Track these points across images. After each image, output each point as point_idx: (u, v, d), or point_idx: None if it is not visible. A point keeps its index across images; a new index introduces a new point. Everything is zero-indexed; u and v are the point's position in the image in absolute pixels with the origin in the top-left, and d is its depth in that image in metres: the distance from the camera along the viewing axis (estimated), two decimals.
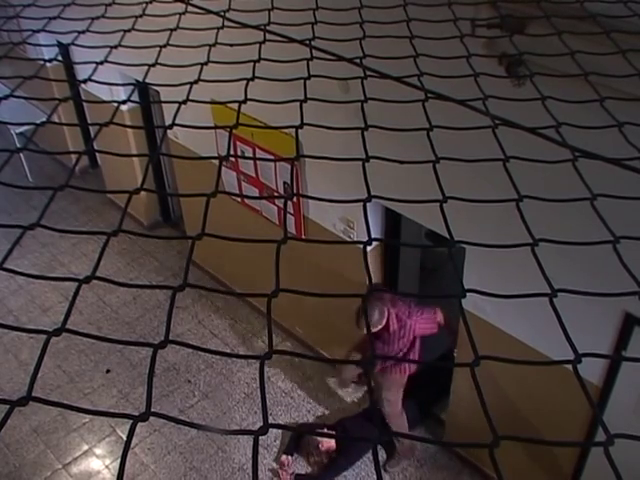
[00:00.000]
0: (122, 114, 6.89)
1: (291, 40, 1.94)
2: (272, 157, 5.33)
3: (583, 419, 4.17)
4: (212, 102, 1.71)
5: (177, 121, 1.46)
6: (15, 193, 8.54)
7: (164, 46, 1.83)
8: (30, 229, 1.13)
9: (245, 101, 1.55)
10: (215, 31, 1.92)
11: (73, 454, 5.68)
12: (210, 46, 1.84)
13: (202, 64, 1.74)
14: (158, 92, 6.65)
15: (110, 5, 2.17)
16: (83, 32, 1.96)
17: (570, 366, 0.94)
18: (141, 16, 2.04)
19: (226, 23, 2.02)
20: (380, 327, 4.60)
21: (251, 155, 5.66)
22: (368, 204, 1.22)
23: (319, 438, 5.50)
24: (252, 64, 1.72)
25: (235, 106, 1.54)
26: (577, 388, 0.94)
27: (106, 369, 6.39)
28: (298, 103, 1.54)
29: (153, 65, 1.75)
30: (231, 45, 1.92)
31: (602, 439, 0.85)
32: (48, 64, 1.93)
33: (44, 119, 1.62)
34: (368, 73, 1.74)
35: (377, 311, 4.55)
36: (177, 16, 2.06)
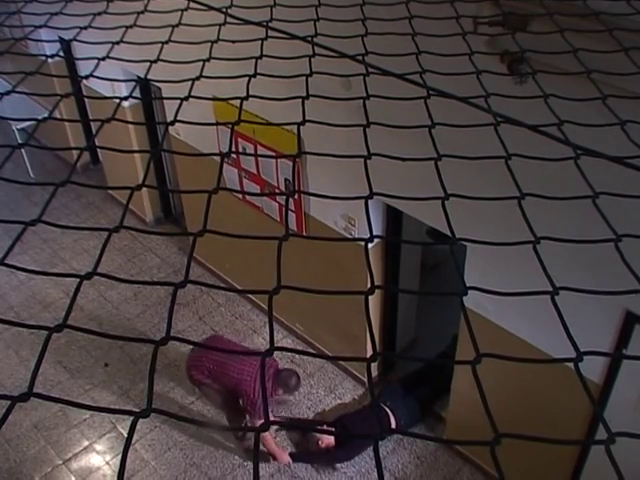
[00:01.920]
0: (124, 110, 6.89)
1: (293, 37, 1.94)
2: (273, 154, 5.33)
3: (584, 417, 4.17)
4: (214, 99, 1.71)
5: (179, 118, 1.46)
6: (16, 189, 8.54)
7: (166, 42, 1.83)
8: (31, 225, 1.13)
9: (247, 98, 1.55)
10: (217, 27, 1.92)
11: (73, 450, 5.69)
12: (212, 43, 1.83)
13: (204, 61, 1.73)
14: (159, 88, 6.65)
15: (112, 1, 2.17)
16: (85, 28, 1.96)
17: (571, 364, 0.94)
18: (143, 12, 2.03)
19: (228, 20, 2.02)
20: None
21: (252, 152, 5.66)
22: (369, 201, 1.22)
23: (318, 435, 5.50)
24: (254, 61, 1.72)
25: (237, 103, 1.53)
26: (578, 386, 0.94)
27: (104, 363, 6.41)
28: (300, 100, 1.54)
29: (155, 61, 1.75)
30: (233, 42, 1.92)
31: (603, 437, 0.85)
32: (50, 60, 1.92)
33: (46, 115, 1.62)
34: (370, 70, 1.73)
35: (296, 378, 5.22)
36: (179, 12, 2.06)
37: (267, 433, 5.14)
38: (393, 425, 5.45)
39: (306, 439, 5.65)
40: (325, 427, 5.55)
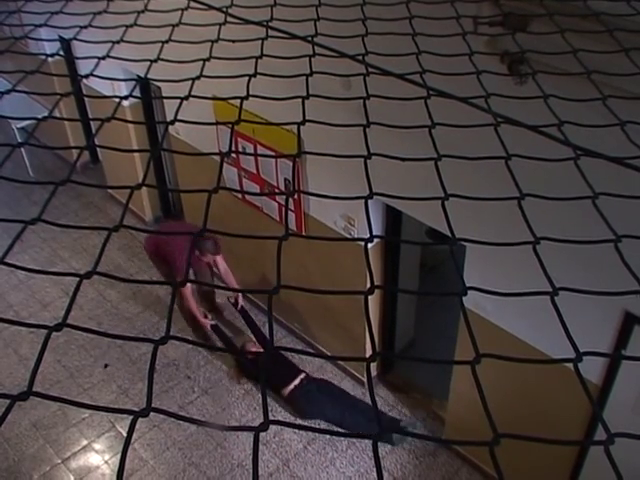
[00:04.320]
0: (123, 110, 6.89)
1: (293, 37, 1.94)
2: (273, 154, 5.33)
3: (582, 418, 4.17)
4: (214, 98, 1.71)
5: (179, 117, 1.46)
6: (16, 188, 8.54)
7: (166, 42, 1.83)
8: (31, 224, 1.13)
9: (247, 97, 1.55)
10: (217, 27, 1.92)
11: (72, 449, 5.69)
12: (212, 42, 1.83)
13: (204, 60, 1.73)
14: (159, 88, 6.65)
15: (112, 0, 2.17)
16: (85, 27, 1.96)
17: (570, 365, 0.94)
18: (143, 11, 2.04)
19: (228, 19, 2.02)
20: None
21: (252, 151, 5.66)
22: (369, 201, 1.22)
23: (251, 340, 6.26)
24: (254, 60, 1.72)
25: (236, 102, 1.53)
26: (577, 387, 0.94)
27: (104, 364, 6.40)
28: (300, 100, 1.54)
29: (155, 61, 1.75)
30: (233, 41, 1.92)
31: (602, 437, 0.85)
32: (50, 59, 1.92)
33: (45, 114, 1.62)
34: (370, 70, 1.74)
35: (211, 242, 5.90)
36: (179, 12, 2.06)
37: (188, 292, 6.11)
38: (286, 389, 5.77)
39: (241, 338, 6.44)
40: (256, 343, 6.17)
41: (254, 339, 6.26)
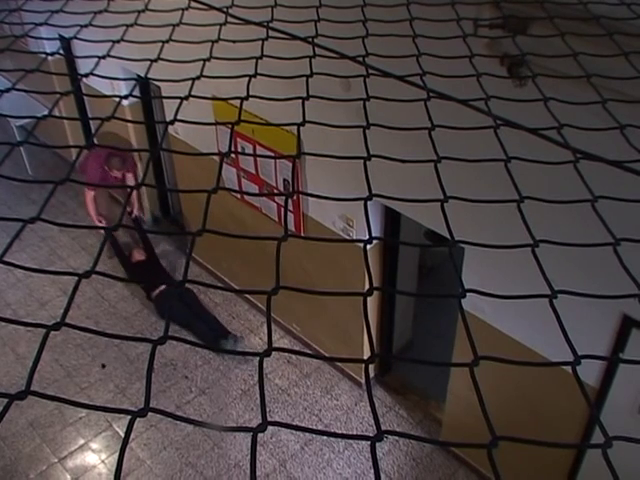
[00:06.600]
0: (123, 109, 6.89)
1: (294, 37, 1.94)
2: (273, 154, 5.33)
3: (580, 420, 4.17)
4: (214, 98, 1.70)
5: (178, 117, 1.46)
6: (15, 186, 8.53)
7: (166, 41, 1.82)
8: (30, 223, 1.13)
9: (247, 98, 1.55)
10: (218, 27, 1.92)
11: (69, 448, 5.68)
12: (212, 42, 1.83)
13: (204, 60, 1.73)
14: (159, 87, 6.65)
15: None
16: (85, 26, 1.96)
17: (568, 367, 0.94)
18: (144, 11, 2.03)
19: (229, 19, 2.02)
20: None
21: (251, 152, 5.66)
22: (368, 203, 1.21)
23: (137, 251, 7.10)
24: (254, 61, 1.72)
25: (236, 102, 1.53)
26: (574, 389, 0.94)
27: (102, 364, 6.40)
28: (300, 101, 1.54)
29: (155, 60, 1.75)
30: (234, 41, 1.92)
31: (599, 440, 0.85)
32: (49, 58, 1.92)
33: (45, 113, 1.61)
34: (370, 71, 1.74)
35: (118, 158, 6.71)
36: (180, 12, 2.05)
37: (89, 197, 6.99)
38: (154, 292, 6.60)
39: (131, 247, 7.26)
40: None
41: (142, 246, 7.12)
